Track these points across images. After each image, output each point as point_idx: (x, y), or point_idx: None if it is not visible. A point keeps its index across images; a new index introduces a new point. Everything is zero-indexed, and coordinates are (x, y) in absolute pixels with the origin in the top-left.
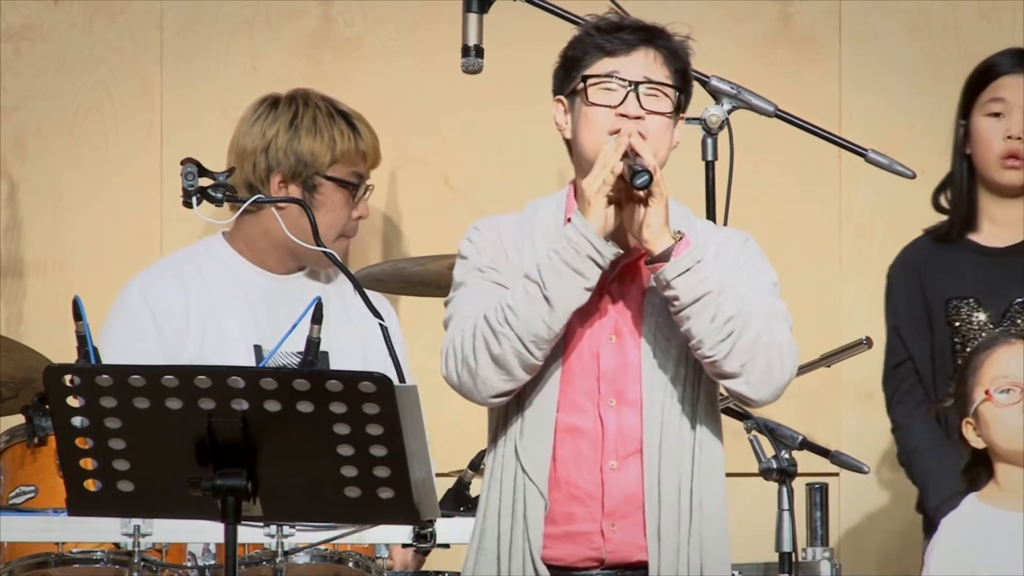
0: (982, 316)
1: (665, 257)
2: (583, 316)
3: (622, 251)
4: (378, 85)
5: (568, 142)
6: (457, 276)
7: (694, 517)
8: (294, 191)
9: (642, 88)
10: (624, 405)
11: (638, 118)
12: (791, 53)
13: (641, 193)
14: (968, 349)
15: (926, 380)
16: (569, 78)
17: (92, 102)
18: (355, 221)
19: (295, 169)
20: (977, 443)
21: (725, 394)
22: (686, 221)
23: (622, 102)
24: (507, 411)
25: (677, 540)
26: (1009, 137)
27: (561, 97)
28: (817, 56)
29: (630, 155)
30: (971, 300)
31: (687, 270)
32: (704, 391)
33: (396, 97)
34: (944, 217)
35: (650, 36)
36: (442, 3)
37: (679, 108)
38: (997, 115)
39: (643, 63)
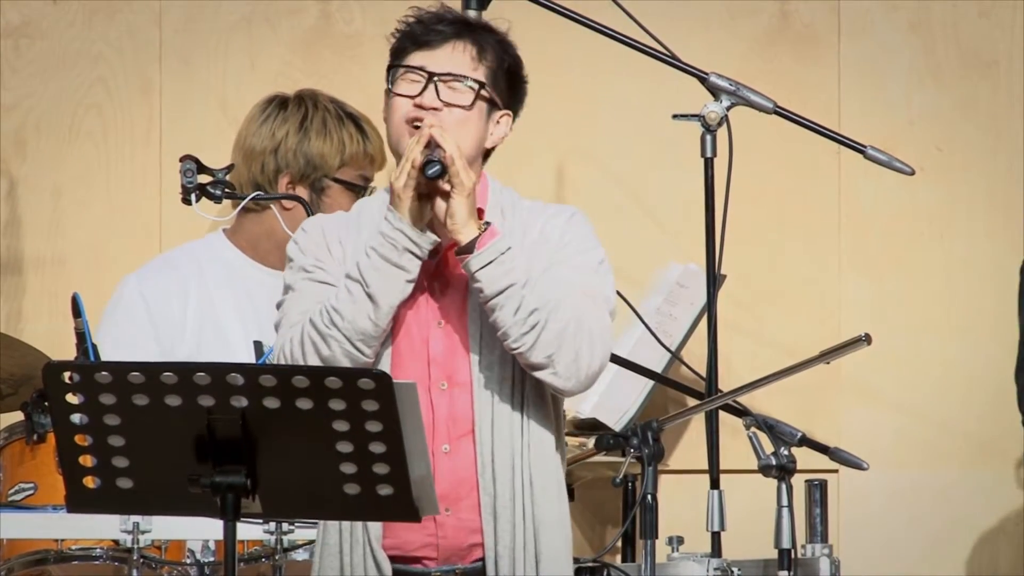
0: None
1: (471, 248)
2: (411, 304)
3: (439, 239)
4: (377, 82)
5: None
6: (286, 279)
7: (525, 495)
8: (301, 193)
9: (441, 80)
10: (456, 387)
11: (434, 109)
12: (790, 50)
13: (444, 185)
14: None
15: None
16: (388, 70)
17: (91, 99)
18: None
19: (304, 171)
20: None
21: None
22: (512, 203)
23: (420, 93)
24: None
25: (512, 516)
26: None
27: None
28: (816, 53)
29: (432, 146)
30: None
31: (490, 262)
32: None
33: None
34: None
35: (464, 29)
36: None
37: (493, 103)
38: None
39: (449, 56)
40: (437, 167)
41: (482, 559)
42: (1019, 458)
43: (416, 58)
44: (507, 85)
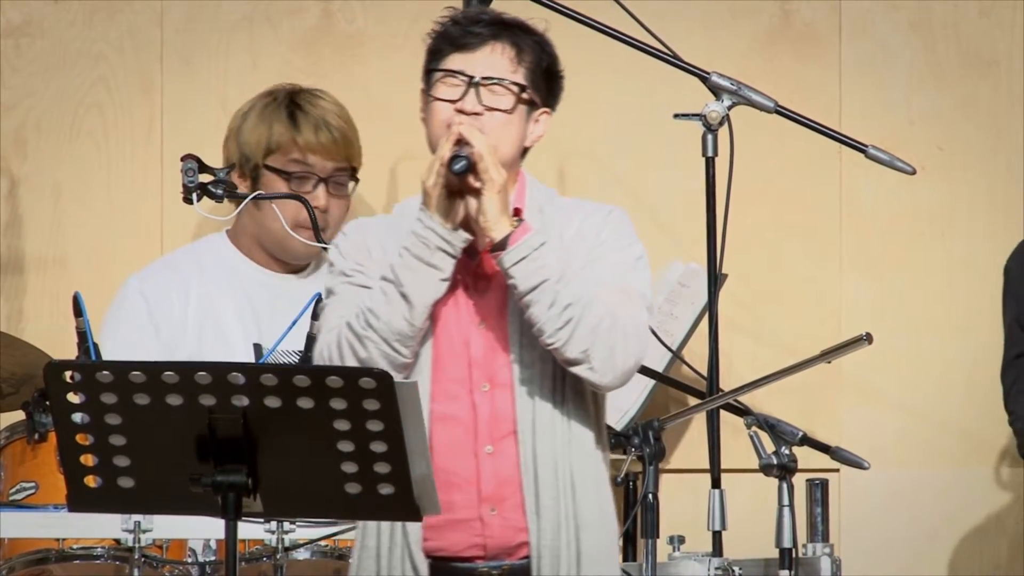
0: None
1: (504, 245)
2: (451, 305)
3: (471, 237)
4: (378, 82)
5: None
6: (327, 284)
7: (567, 494)
8: (244, 183)
9: (481, 84)
10: (497, 388)
11: (475, 114)
12: (791, 50)
13: (475, 182)
14: None
15: None
16: (426, 73)
17: (92, 99)
18: (318, 211)
19: (240, 161)
20: None
21: None
22: (550, 201)
23: (461, 97)
24: None
25: (556, 516)
26: None
27: (424, 91)
28: (817, 52)
29: (461, 143)
30: None
31: (523, 258)
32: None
33: (396, 94)
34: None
35: (502, 30)
36: (443, 0)
37: (533, 103)
38: None
39: (488, 59)
40: (463, 162)
41: (528, 557)
42: (1014, 455)
43: (454, 61)
44: (545, 84)
